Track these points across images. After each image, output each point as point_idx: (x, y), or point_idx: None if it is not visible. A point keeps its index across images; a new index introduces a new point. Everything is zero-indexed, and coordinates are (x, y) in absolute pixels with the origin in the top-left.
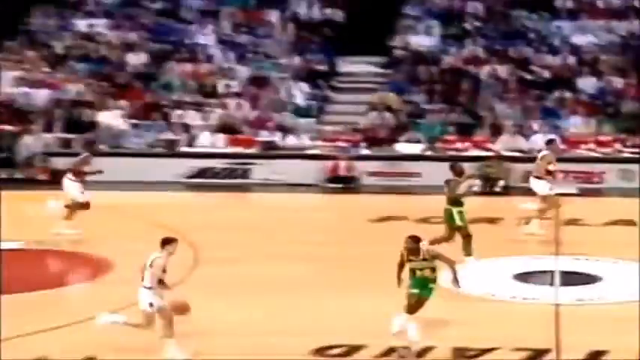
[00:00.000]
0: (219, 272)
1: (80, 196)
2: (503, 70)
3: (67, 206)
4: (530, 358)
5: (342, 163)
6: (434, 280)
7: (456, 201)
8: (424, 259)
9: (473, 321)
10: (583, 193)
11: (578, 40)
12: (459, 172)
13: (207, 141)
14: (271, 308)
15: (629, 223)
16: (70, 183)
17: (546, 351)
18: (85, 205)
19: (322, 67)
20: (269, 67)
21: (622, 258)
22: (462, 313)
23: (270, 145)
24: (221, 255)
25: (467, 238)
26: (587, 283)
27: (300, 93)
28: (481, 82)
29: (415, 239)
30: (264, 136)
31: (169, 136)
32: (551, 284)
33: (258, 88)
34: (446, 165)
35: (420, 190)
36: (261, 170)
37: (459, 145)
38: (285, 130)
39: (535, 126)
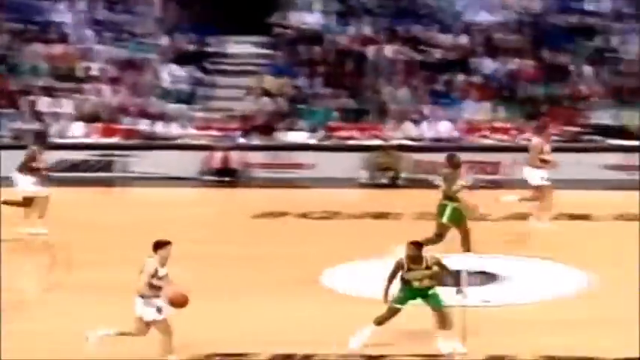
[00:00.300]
0: (92, 277)
1: None
2: (391, 50)
3: None
4: None
5: (219, 154)
6: (433, 288)
7: (451, 196)
8: (427, 268)
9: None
10: (478, 185)
11: (472, 17)
12: (455, 164)
13: (79, 131)
14: None
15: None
16: None
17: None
18: None
19: (195, 48)
20: (137, 47)
21: (524, 255)
22: (354, 317)
23: (145, 135)
24: (93, 258)
25: (465, 233)
26: (490, 283)
27: (171, 76)
28: (368, 63)
29: (418, 246)
30: (137, 124)
31: (32, 126)
32: (454, 285)
33: (126, 71)
34: (336, 155)
35: (308, 183)
36: (136, 163)
37: (345, 132)
38: (159, 118)
39: (426, 111)
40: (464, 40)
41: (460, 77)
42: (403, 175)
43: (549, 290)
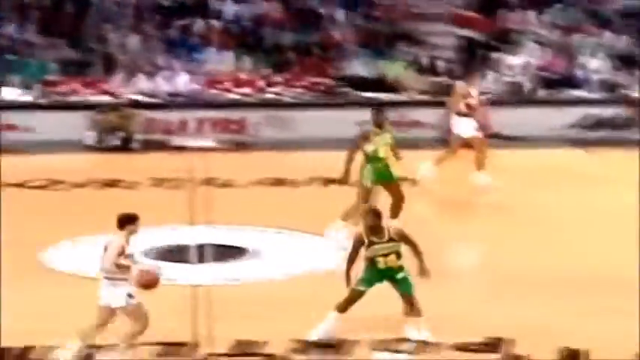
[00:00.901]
0: None
1: None
2: None
3: None
4: (163, 354)
5: None
6: (402, 269)
7: (372, 157)
8: (389, 240)
9: (91, 308)
10: (224, 146)
11: None
12: (380, 123)
13: None
14: None
15: (280, 182)
16: None
17: (183, 344)
18: None
19: None
20: None
21: (272, 226)
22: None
23: None
24: None
25: (396, 199)
26: (235, 258)
27: None
28: (91, 6)
29: (377, 214)
30: None
31: None
32: (192, 261)
33: None
34: (56, 115)
35: (23, 147)
36: None
37: (65, 88)
38: None
39: (160, 62)
40: None
41: (199, 23)
42: (136, 136)
43: (301, 265)
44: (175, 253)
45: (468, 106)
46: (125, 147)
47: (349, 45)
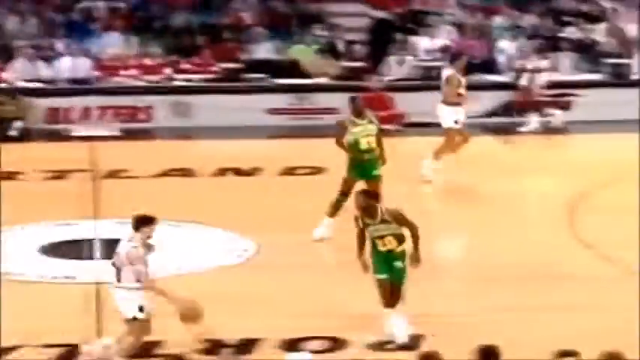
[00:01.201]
0: None
1: None
2: None
3: None
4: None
5: None
6: (402, 256)
7: (354, 149)
8: (383, 221)
9: None
10: (126, 135)
11: None
12: (358, 111)
13: None
14: None
15: (186, 172)
16: None
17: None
18: None
19: None
20: None
21: (181, 220)
22: None
23: None
24: None
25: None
26: None
27: None
28: None
29: (370, 194)
30: None
31: None
32: (92, 257)
33: None
34: None
35: None
36: None
37: None
38: None
39: (59, 46)
40: None
41: (99, 4)
42: (35, 125)
43: (201, 260)
44: (75, 249)
45: (458, 94)
46: (20, 137)
47: (258, 28)
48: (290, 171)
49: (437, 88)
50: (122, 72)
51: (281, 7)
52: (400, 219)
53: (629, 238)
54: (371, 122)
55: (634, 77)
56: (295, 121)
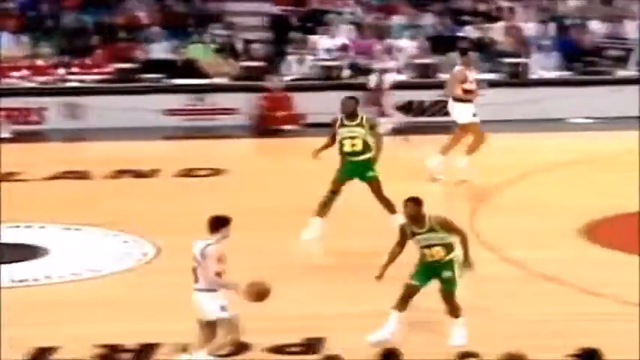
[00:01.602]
0: None
1: None
2: None
3: None
4: None
5: None
6: (450, 266)
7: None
8: (430, 230)
9: None
10: (19, 137)
11: None
12: (349, 112)
13: None
14: None
15: (82, 175)
16: None
17: None
18: None
19: None
20: None
21: (78, 223)
22: None
23: None
24: None
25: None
26: (30, 259)
27: None
28: None
29: (416, 202)
30: None
31: None
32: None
33: None
34: None
35: None
36: None
37: None
38: None
39: None
40: None
41: None
42: None
43: (100, 264)
44: None
45: (466, 90)
46: None
47: (154, 27)
48: (188, 172)
49: (337, 87)
50: (13, 73)
51: (177, 6)
52: (448, 226)
53: (529, 238)
54: (360, 125)
55: (533, 77)
56: (193, 122)
